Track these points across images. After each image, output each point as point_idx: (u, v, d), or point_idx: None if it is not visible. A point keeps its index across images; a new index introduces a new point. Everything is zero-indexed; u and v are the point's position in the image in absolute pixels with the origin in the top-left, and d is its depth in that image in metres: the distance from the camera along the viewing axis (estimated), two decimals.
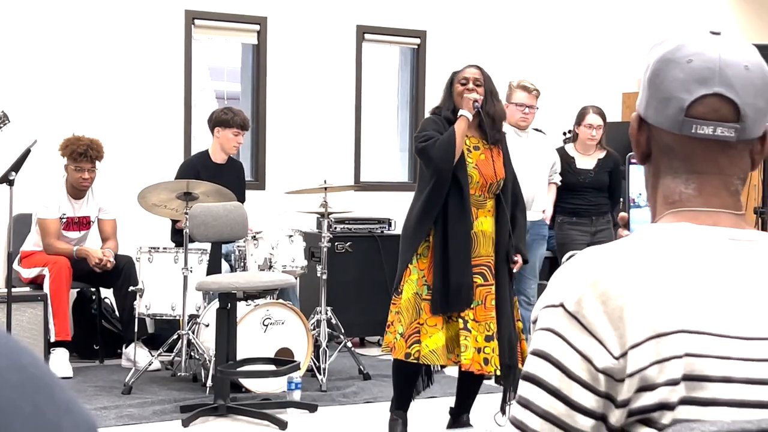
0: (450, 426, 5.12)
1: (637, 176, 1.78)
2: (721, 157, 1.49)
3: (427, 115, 5.18)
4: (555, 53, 9.38)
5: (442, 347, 4.76)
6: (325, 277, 6.50)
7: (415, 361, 4.77)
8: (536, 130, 8.02)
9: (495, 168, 4.92)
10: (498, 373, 4.83)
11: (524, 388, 1.41)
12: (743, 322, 1.39)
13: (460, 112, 4.87)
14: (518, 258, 4.97)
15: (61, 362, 6.46)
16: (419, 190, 4.93)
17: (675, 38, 1.51)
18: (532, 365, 1.41)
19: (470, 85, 4.92)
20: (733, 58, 1.47)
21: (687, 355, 1.35)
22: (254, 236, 6.54)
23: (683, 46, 1.49)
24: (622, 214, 1.77)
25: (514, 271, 5.00)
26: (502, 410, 5.02)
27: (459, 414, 5.10)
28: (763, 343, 1.39)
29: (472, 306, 4.77)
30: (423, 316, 4.77)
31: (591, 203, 7.07)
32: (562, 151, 7.39)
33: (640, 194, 1.79)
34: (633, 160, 1.78)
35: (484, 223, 4.89)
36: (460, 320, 4.75)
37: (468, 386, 5.09)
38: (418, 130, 5.00)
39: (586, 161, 7.20)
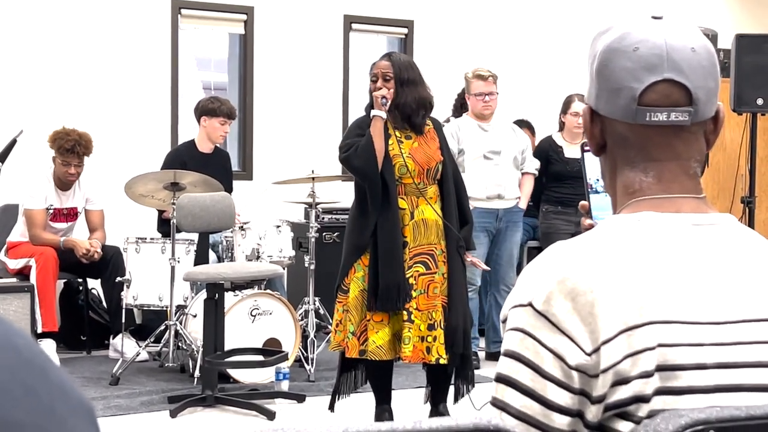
0: (431, 415, 5.12)
1: (593, 163, 1.77)
2: (677, 141, 1.48)
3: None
4: (544, 42, 9.37)
5: (388, 342, 4.79)
6: (312, 267, 6.49)
7: (366, 357, 4.81)
8: (523, 121, 8.02)
9: (430, 153, 4.91)
10: (442, 361, 4.84)
11: (499, 390, 1.41)
12: (712, 307, 1.40)
13: (373, 112, 4.88)
14: (470, 258, 5.00)
15: (48, 353, 6.42)
16: (356, 190, 4.94)
17: (618, 26, 1.50)
18: (504, 366, 1.40)
19: (379, 82, 4.89)
20: (679, 42, 1.47)
21: (660, 345, 1.35)
22: (242, 226, 6.53)
23: (628, 34, 1.48)
24: (583, 202, 1.77)
25: (468, 261, 4.99)
26: (455, 399, 5.05)
27: (435, 404, 5.12)
28: (733, 327, 1.40)
29: (414, 296, 4.79)
30: (369, 312, 4.80)
31: (577, 192, 7.05)
32: (549, 140, 7.38)
33: (597, 180, 1.78)
34: (587, 148, 1.78)
35: (425, 211, 4.87)
36: (405, 312, 4.78)
37: (434, 377, 5.09)
38: (342, 139, 5.00)
39: (575, 150, 7.19)
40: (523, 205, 6.93)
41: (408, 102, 4.90)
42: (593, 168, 1.77)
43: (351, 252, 4.87)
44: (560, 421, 1.37)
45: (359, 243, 4.82)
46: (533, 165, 6.99)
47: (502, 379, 1.40)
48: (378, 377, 5.02)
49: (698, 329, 1.38)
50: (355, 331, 4.83)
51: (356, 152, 4.79)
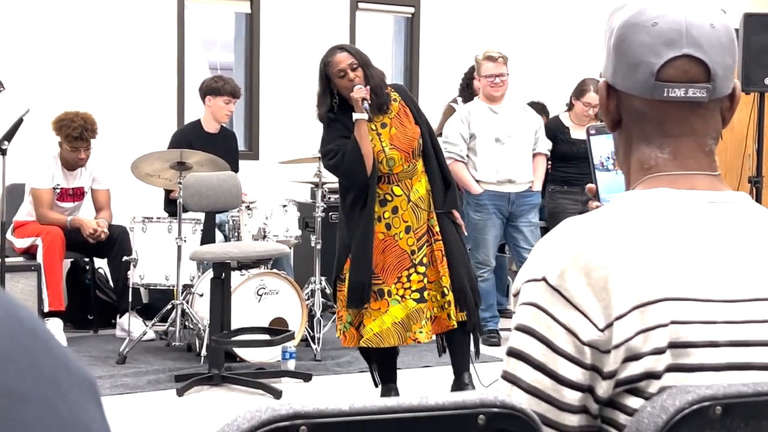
0: (453, 387, 5.15)
1: (599, 145, 1.76)
2: (694, 118, 1.48)
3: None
4: (553, 21, 9.33)
5: (387, 329, 4.79)
6: (319, 246, 6.49)
7: (363, 345, 4.84)
8: (536, 103, 8.00)
9: (409, 133, 4.87)
10: (460, 318, 4.88)
11: (510, 364, 1.40)
12: (726, 285, 1.39)
13: (355, 116, 4.75)
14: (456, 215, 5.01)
15: (55, 332, 6.41)
16: (340, 186, 4.95)
17: (636, 1, 1.49)
18: (516, 341, 1.40)
19: (350, 75, 4.75)
20: (698, 18, 1.45)
21: (673, 322, 1.35)
22: (248, 206, 6.53)
23: (646, 9, 1.47)
24: (590, 185, 1.76)
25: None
26: (476, 354, 5.10)
27: (459, 374, 5.12)
28: (745, 305, 1.40)
29: (423, 271, 4.81)
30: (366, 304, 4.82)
31: (584, 173, 7.03)
32: (557, 120, 7.36)
33: (608, 158, 1.76)
34: (592, 132, 1.77)
35: (419, 190, 4.88)
36: (412, 300, 4.78)
37: (453, 346, 5.09)
38: (322, 142, 4.91)
39: (581, 132, 7.17)
40: (537, 186, 6.91)
41: (378, 83, 4.82)
42: (599, 149, 1.76)
43: (343, 245, 4.89)
44: (571, 396, 1.36)
45: (347, 241, 4.86)
46: (546, 145, 6.97)
47: (513, 353, 1.40)
48: (380, 362, 5.05)
49: (711, 307, 1.37)
50: (352, 321, 4.87)
51: (343, 159, 4.74)
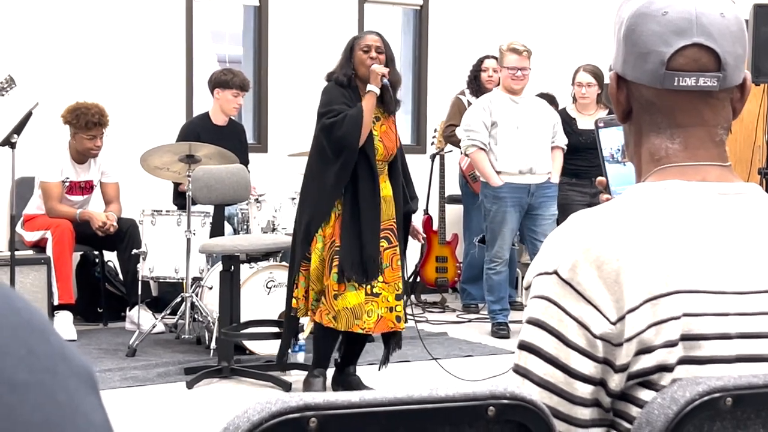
0: (334, 376, 5.28)
1: (608, 138, 1.75)
2: (704, 108, 1.47)
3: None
4: (561, 14, 9.31)
5: (342, 311, 4.89)
6: None
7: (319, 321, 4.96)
8: (546, 94, 7.98)
9: (393, 140, 5.03)
10: (403, 327, 5.07)
11: (521, 357, 1.40)
12: (737, 276, 1.39)
13: (369, 87, 4.90)
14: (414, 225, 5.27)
15: (65, 325, 6.47)
16: (321, 159, 4.95)
17: None
18: (528, 334, 1.40)
19: (373, 53, 4.92)
20: (708, 7, 1.45)
21: (685, 315, 1.34)
22: (257, 199, 6.53)
23: None
24: (600, 178, 1.75)
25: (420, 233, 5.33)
26: (383, 363, 5.22)
27: (344, 366, 5.27)
28: (757, 297, 1.39)
29: (381, 269, 4.94)
30: (327, 282, 4.90)
31: (592, 164, 6.99)
32: (563, 113, 7.35)
33: (618, 150, 1.75)
34: (601, 124, 1.76)
35: (384, 189, 5.01)
36: (369, 287, 4.90)
37: (352, 344, 5.22)
38: (323, 102, 4.97)
39: (588, 121, 7.15)
40: (555, 179, 6.90)
41: (397, 80, 5.04)
42: (610, 142, 1.75)
43: (316, 220, 4.94)
44: (583, 389, 1.36)
45: (324, 211, 4.91)
46: (563, 140, 6.97)
47: (525, 346, 1.40)
48: (326, 342, 5.12)
49: (723, 299, 1.37)
50: (319, 299, 4.97)
51: (342, 122, 4.81)
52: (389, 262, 4.98)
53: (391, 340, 5.15)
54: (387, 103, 4.98)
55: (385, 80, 4.87)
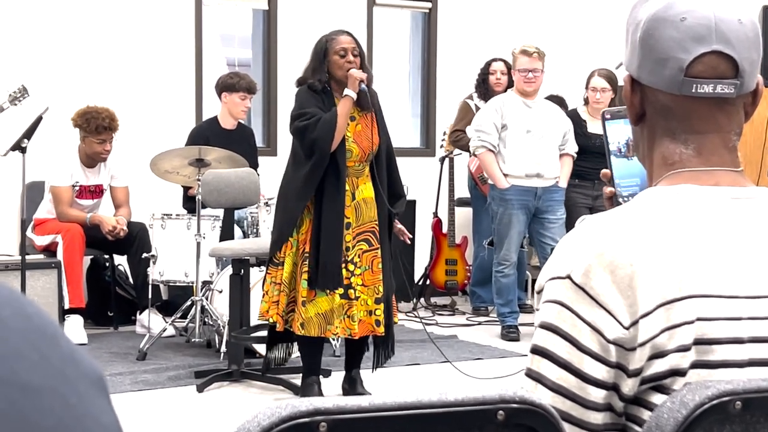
0: (345, 380, 5.26)
1: (614, 131, 1.73)
2: (720, 114, 1.46)
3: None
4: (571, 16, 9.30)
5: (310, 318, 4.87)
6: None
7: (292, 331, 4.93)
8: (555, 96, 7.98)
9: (372, 137, 4.96)
10: (382, 332, 4.98)
11: (534, 362, 1.40)
12: (750, 281, 1.39)
13: (346, 91, 4.86)
14: (398, 225, 5.13)
15: (75, 329, 6.49)
16: (295, 162, 4.93)
17: None
18: (541, 338, 1.40)
19: (350, 57, 4.87)
20: (726, 13, 1.44)
21: (698, 319, 1.34)
22: (266, 202, 6.54)
23: (674, 4, 1.45)
24: (605, 171, 1.75)
25: (396, 228, 5.15)
26: (375, 366, 5.15)
27: (349, 369, 5.25)
28: None
29: (359, 272, 4.89)
30: (297, 288, 4.88)
31: (598, 167, 6.95)
32: (574, 114, 7.34)
33: (626, 144, 1.74)
34: (608, 116, 1.75)
35: (364, 191, 4.97)
36: (350, 291, 4.86)
37: (353, 348, 5.20)
38: (296, 105, 4.93)
39: (598, 125, 7.15)
40: (563, 184, 6.90)
41: (370, 78, 4.97)
42: (617, 135, 1.74)
43: (287, 224, 4.91)
44: (596, 394, 1.36)
45: (294, 215, 4.88)
46: (573, 147, 6.96)
47: (538, 350, 1.40)
48: (308, 351, 5.11)
49: (736, 303, 1.37)
50: (285, 308, 4.93)
51: (315, 125, 4.78)
52: (369, 264, 4.93)
53: (380, 346, 5.09)
54: (363, 107, 4.95)
55: (363, 85, 4.84)
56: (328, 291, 4.85)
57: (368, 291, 4.93)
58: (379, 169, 4.98)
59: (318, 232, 4.83)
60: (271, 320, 4.99)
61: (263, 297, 5.04)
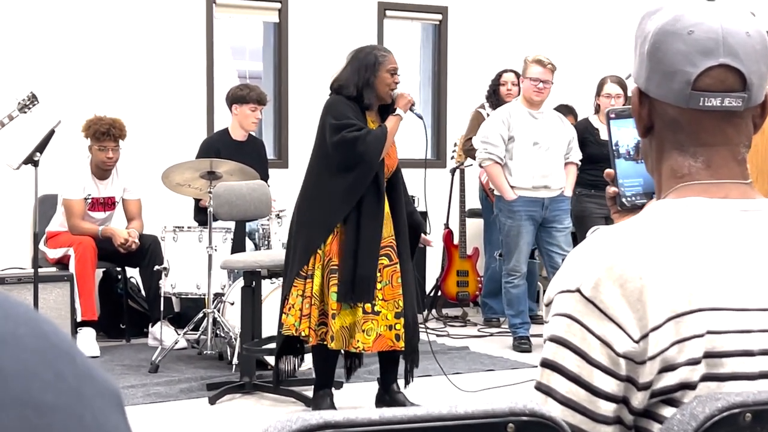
0: (379, 395, 5.23)
1: (622, 133, 1.73)
2: (728, 127, 1.46)
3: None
4: (580, 26, 9.31)
5: (338, 331, 4.86)
6: None
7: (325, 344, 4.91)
8: (564, 106, 7.99)
9: (394, 158, 5.04)
10: (402, 347, 4.95)
11: (544, 375, 1.40)
12: (760, 293, 1.38)
13: (398, 111, 4.94)
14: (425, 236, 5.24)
15: (88, 342, 6.50)
16: (328, 172, 4.88)
17: (671, 8, 1.46)
18: (551, 352, 1.40)
19: (397, 78, 4.95)
20: (734, 26, 1.44)
21: (708, 332, 1.34)
22: (278, 214, 6.55)
23: (682, 17, 1.45)
24: (608, 170, 1.75)
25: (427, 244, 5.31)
26: (406, 381, 5.11)
27: (385, 384, 5.21)
28: None
29: (380, 287, 4.88)
30: (327, 300, 4.87)
31: None
32: (586, 122, 7.34)
33: (634, 147, 1.73)
34: (612, 115, 1.74)
35: (385, 207, 4.98)
36: (368, 305, 4.84)
37: (385, 362, 5.17)
38: (336, 114, 4.86)
39: None
40: (568, 192, 6.92)
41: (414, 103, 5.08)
42: (624, 137, 1.74)
43: (317, 235, 4.88)
44: (606, 407, 1.36)
45: (330, 226, 4.85)
46: (577, 156, 6.97)
47: (547, 364, 1.40)
48: (327, 362, 5.09)
49: (746, 316, 1.37)
50: (317, 321, 4.92)
51: (365, 138, 4.80)
52: (389, 279, 4.92)
53: (407, 358, 5.07)
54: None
55: (414, 109, 4.95)
56: (353, 304, 4.83)
57: (388, 305, 4.91)
58: (398, 185, 5.03)
59: (356, 244, 4.81)
60: (303, 334, 4.93)
61: (287, 310, 4.97)
